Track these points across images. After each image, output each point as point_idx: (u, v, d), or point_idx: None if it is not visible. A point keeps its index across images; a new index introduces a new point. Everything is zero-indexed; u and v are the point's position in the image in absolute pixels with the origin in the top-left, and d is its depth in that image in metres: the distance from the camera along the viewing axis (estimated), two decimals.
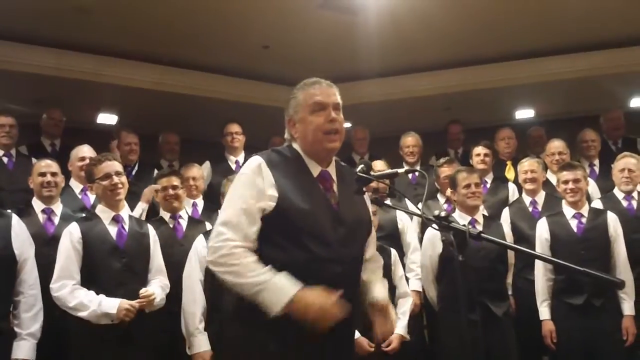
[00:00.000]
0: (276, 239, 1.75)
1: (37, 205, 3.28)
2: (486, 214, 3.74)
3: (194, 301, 2.92)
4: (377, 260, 2.07)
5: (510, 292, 3.64)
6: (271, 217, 1.77)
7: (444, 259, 3.29)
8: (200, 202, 4.03)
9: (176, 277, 3.04)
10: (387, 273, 3.22)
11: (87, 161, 3.56)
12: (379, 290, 1.98)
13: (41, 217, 3.23)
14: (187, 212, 3.60)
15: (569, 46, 5.49)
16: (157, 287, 2.81)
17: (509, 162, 4.82)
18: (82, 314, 2.58)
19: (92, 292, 2.62)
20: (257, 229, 1.77)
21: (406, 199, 3.87)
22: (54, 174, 3.30)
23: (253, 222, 1.76)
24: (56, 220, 3.25)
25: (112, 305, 2.59)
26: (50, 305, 2.69)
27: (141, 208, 3.64)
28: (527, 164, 3.98)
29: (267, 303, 1.66)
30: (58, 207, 3.31)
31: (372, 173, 1.85)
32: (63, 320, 2.73)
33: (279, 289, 1.66)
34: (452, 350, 3.10)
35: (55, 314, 2.73)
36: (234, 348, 1.84)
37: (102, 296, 2.61)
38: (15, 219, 2.77)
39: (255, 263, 1.72)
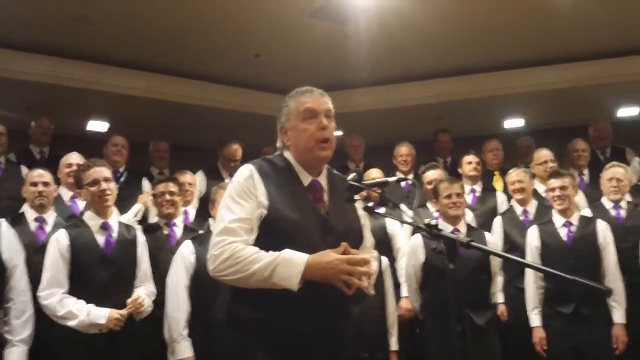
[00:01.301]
0: (265, 249, 1.73)
1: (29, 213, 3.26)
2: (472, 224, 3.76)
3: (178, 307, 2.88)
4: None
5: (502, 300, 3.66)
6: (262, 225, 1.77)
7: (427, 268, 3.30)
8: (191, 211, 4.02)
9: (165, 284, 3.01)
10: (379, 281, 3.24)
11: (75, 168, 3.55)
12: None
13: (33, 226, 3.21)
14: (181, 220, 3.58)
15: (559, 57, 5.56)
16: (143, 294, 2.79)
17: (496, 173, 4.85)
18: (71, 323, 2.56)
19: (81, 301, 2.60)
20: (254, 237, 1.76)
21: (401, 206, 3.88)
22: (45, 184, 3.28)
23: (251, 230, 1.76)
24: (47, 228, 3.22)
25: (101, 314, 2.57)
26: (41, 312, 2.67)
27: (137, 207, 3.61)
28: (514, 174, 4.01)
29: (284, 279, 1.64)
30: (51, 216, 3.29)
31: (363, 182, 1.85)
32: (50, 328, 2.69)
33: (290, 261, 1.66)
34: (439, 358, 3.11)
35: (44, 321, 2.70)
36: (225, 355, 1.83)
37: (91, 305, 2.59)
38: (4, 226, 2.75)
39: (258, 251, 1.71)
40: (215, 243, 1.74)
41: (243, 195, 1.78)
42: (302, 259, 1.65)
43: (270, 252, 1.69)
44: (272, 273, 1.65)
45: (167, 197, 3.42)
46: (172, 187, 3.48)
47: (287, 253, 1.67)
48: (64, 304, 2.59)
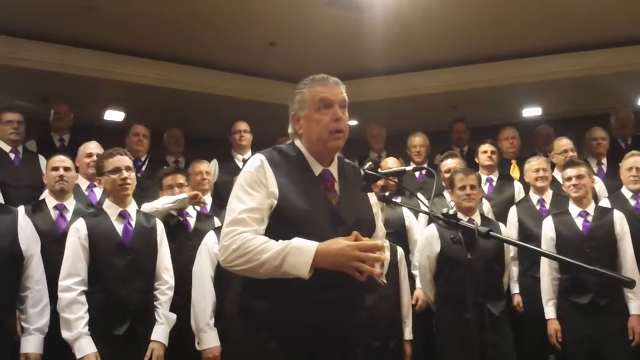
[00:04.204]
0: (276, 238, 1.73)
1: (50, 201, 3.27)
2: (489, 214, 3.73)
3: (204, 297, 2.92)
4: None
5: (517, 291, 3.63)
6: (272, 215, 1.76)
7: (442, 258, 3.29)
8: (208, 199, 4.03)
9: (184, 271, 3.05)
10: (394, 271, 3.24)
11: (94, 157, 3.57)
12: None
13: (53, 214, 3.22)
14: (194, 209, 3.59)
15: (577, 44, 5.46)
16: (163, 330, 2.78)
17: (513, 161, 4.80)
18: (64, 329, 2.55)
19: (86, 318, 2.57)
20: (265, 227, 1.76)
21: (418, 196, 3.86)
22: (66, 169, 3.30)
23: (261, 220, 1.75)
24: (68, 216, 3.23)
25: (84, 349, 2.52)
26: (57, 300, 2.67)
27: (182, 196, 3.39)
28: (537, 162, 3.94)
29: (295, 267, 1.64)
30: (71, 204, 3.30)
31: (380, 170, 1.83)
32: None
33: (300, 249, 1.65)
34: (453, 349, 3.11)
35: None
36: (237, 346, 1.83)
37: (86, 332, 2.55)
38: (21, 215, 2.78)
39: (268, 240, 1.70)
40: (225, 234, 1.74)
41: (253, 185, 1.77)
42: (313, 246, 1.65)
43: (280, 241, 1.68)
44: (282, 262, 1.65)
45: (177, 189, 3.41)
46: (180, 178, 3.47)
47: (297, 241, 1.67)
48: (72, 309, 2.57)
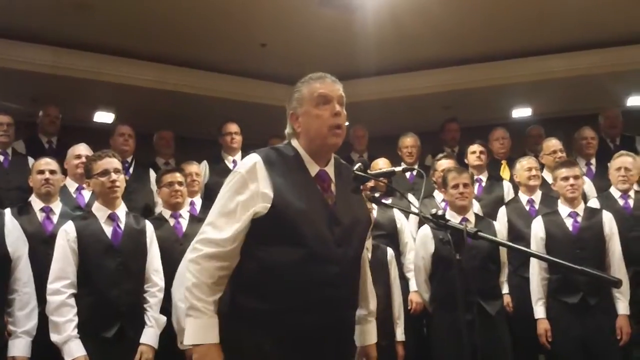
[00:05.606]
0: (272, 239, 1.73)
1: (36, 203, 3.26)
2: (480, 213, 3.74)
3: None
4: (364, 260, 2.04)
5: (507, 291, 3.65)
6: (267, 217, 1.74)
7: (436, 258, 3.29)
8: (197, 201, 4.03)
9: (174, 276, 3.02)
10: (384, 272, 3.24)
11: (83, 159, 3.55)
12: (369, 333, 2.06)
13: (40, 216, 3.21)
14: (187, 211, 3.59)
15: (567, 45, 5.49)
16: (153, 333, 2.77)
17: (503, 162, 4.82)
18: (52, 332, 2.55)
19: (75, 321, 2.57)
20: (240, 230, 1.75)
21: (409, 197, 3.87)
22: (52, 172, 3.29)
23: (235, 221, 1.75)
24: (55, 218, 3.22)
25: (73, 352, 2.52)
26: (45, 302, 2.66)
27: None
28: (528, 162, 3.95)
29: (187, 329, 1.72)
30: (57, 206, 3.29)
31: (369, 171, 1.83)
32: None
33: (201, 328, 1.71)
34: (447, 349, 3.11)
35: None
36: (230, 347, 1.82)
37: (76, 335, 2.55)
38: (7, 217, 2.75)
39: (209, 288, 1.74)
40: (199, 233, 1.81)
41: (240, 188, 1.76)
42: (206, 339, 1.71)
43: (211, 301, 1.73)
44: (188, 317, 1.73)
45: (177, 187, 3.43)
46: (180, 177, 3.49)
47: (211, 321, 1.72)
48: (60, 311, 2.56)
